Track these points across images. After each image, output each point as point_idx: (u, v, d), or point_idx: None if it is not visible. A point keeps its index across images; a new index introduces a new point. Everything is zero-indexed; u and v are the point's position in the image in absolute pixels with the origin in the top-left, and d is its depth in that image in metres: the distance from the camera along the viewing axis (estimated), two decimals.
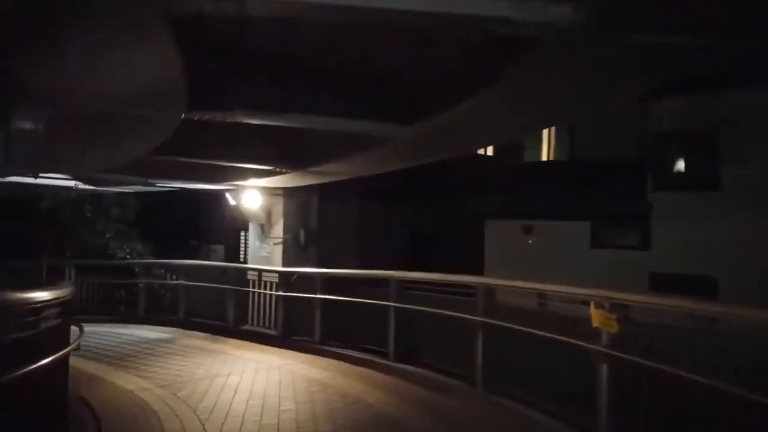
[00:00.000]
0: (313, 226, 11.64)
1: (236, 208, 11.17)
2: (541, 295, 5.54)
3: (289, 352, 9.01)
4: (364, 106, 5.20)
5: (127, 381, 6.96)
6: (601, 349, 4.22)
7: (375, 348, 7.98)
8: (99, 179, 9.85)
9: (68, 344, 4.61)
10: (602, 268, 10.52)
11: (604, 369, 4.22)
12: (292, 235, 11.20)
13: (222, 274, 11.17)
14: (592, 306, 4.33)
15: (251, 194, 10.76)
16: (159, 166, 7.64)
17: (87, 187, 10.51)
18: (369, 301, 7.96)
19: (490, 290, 6.05)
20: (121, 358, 8.37)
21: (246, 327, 10.56)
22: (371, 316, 8.06)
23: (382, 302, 7.69)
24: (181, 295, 11.38)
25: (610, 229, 11.10)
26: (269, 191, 10.78)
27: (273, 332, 10.00)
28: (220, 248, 17.67)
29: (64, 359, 4.57)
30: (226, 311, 10.62)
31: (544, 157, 15.28)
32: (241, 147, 6.74)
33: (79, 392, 6.31)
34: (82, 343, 9.76)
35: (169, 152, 6.47)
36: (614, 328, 4.12)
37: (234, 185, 10.39)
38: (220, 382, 6.83)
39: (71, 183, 10.54)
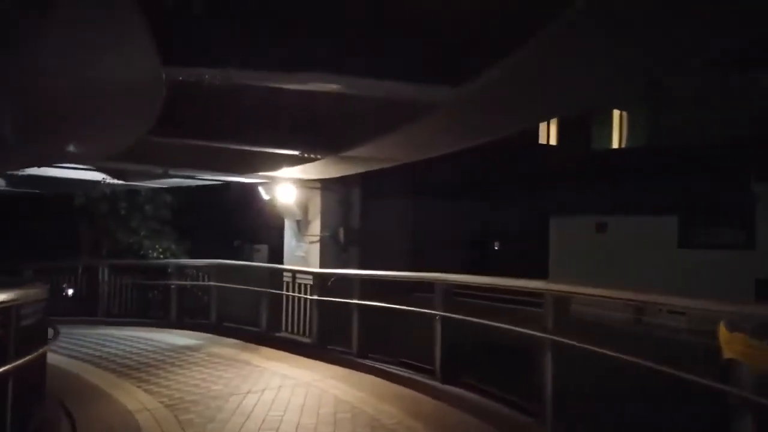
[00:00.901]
0: (354, 224, 10.55)
1: (271, 204, 10.23)
2: (637, 306, 4.15)
3: (322, 364, 7.93)
4: (396, 61, 4.01)
5: (130, 397, 6.07)
6: (744, 395, 2.82)
7: (420, 365, 6.76)
8: (121, 171, 9.16)
9: (42, 346, 4.40)
10: (693, 271, 8.83)
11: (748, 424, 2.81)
12: (330, 234, 10.15)
13: (255, 275, 10.25)
14: (720, 327, 2.95)
15: (285, 187, 9.80)
16: (172, 152, 6.78)
17: (114, 181, 9.85)
18: (409, 308, 6.77)
19: (561, 298, 4.69)
20: (137, 368, 7.54)
21: (280, 334, 9.58)
22: (416, 327, 6.85)
23: (426, 311, 6.47)
24: (212, 297, 10.57)
25: (703, 225, 9.35)
26: (305, 184, 9.78)
27: (307, 340, 8.96)
28: (263, 248, 16.91)
29: (37, 364, 4.31)
30: (260, 316, 9.68)
31: (615, 145, 13.60)
32: (260, 125, 5.69)
33: (70, 406, 5.49)
34: (104, 349, 8.91)
35: (176, 133, 5.51)
36: (761, 360, 2.72)
37: (266, 177, 9.45)
38: (233, 403, 5.82)
39: (99, 176, 9.90)
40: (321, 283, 8.78)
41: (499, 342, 5.47)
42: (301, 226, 10.37)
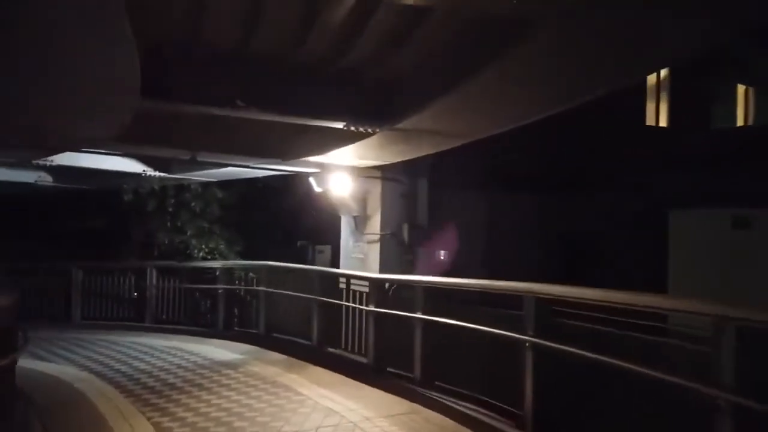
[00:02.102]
0: (421, 220, 8.95)
1: (324, 198, 8.83)
2: None
3: (378, 393, 6.41)
4: None
5: None
6: None
7: (504, 405, 5.04)
8: (152, 159, 8.10)
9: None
10: None
11: None
12: (392, 232, 8.59)
13: (307, 280, 8.88)
14: None
15: (339, 177, 8.34)
16: (193, 129, 5.48)
17: (156, 173, 8.85)
18: (491, 330, 5.07)
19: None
20: (159, 391, 6.37)
21: (332, 350, 8.15)
22: (499, 351, 5.15)
23: (512, 334, 4.76)
24: (261, 304, 9.36)
25: None
26: (361, 172, 8.31)
27: (363, 360, 7.47)
28: (326, 249, 15.62)
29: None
30: (311, 328, 8.30)
31: (741, 123, 11.13)
32: (294, 82, 4.21)
33: None
34: (135, 364, 7.73)
35: (188, 97, 4.15)
36: None
37: (315, 166, 8.04)
38: None
39: (138, 168, 8.92)
40: (379, 291, 7.24)
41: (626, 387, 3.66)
42: (359, 222, 8.90)
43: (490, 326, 5.19)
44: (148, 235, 11.31)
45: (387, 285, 7.29)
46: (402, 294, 7.12)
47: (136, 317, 11.14)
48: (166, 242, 11.19)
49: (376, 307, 7.17)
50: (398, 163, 8.38)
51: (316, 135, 6.10)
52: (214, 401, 6.01)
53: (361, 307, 7.56)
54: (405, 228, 8.81)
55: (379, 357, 7.13)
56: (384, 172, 8.61)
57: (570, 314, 4.55)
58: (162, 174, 9.25)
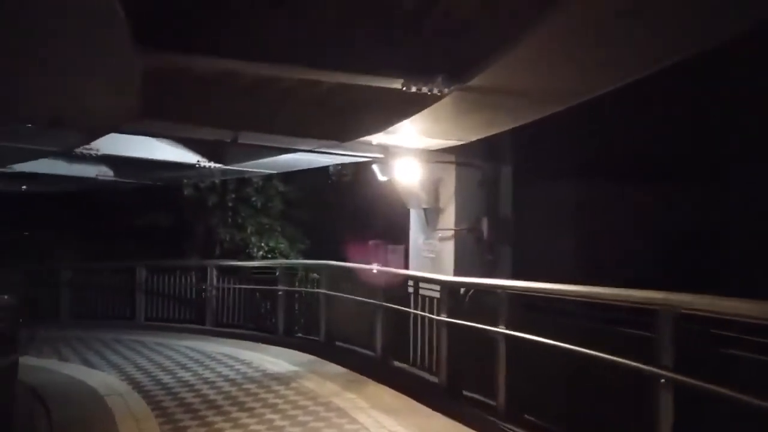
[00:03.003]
0: (503, 213, 7.58)
1: (390, 188, 7.68)
2: None
3: (451, 425, 5.17)
4: None
5: None
6: None
7: None
8: (203, 146, 7.32)
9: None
10: None
11: None
12: (469, 228, 7.30)
13: (371, 282, 7.77)
14: None
15: (406, 163, 7.16)
16: (231, 102, 4.52)
17: (210, 164, 8.14)
18: (601, 355, 3.68)
19: None
20: (195, 410, 5.57)
21: (398, 364, 6.99)
22: (612, 382, 3.77)
23: (641, 365, 3.35)
24: (321, 308, 8.38)
25: None
26: (432, 157, 7.11)
27: (434, 379, 6.28)
28: (398, 249, 14.43)
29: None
30: (374, 337, 7.22)
31: None
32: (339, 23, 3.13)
33: None
34: (180, 374, 7.05)
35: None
36: None
37: (379, 149, 6.90)
38: None
39: (192, 158, 8.23)
40: (453, 297, 6.01)
41: None
42: (430, 216, 7.67)
43: (599, 349, 3.78)
44: (209, 232, 10.70)
45: (462, 290, 6.02)
46: (481, 301, 5.83)
47: (197, 319, 10.57)
48: (228, 239, 10.51)
49: (448, 316, 5.92)
50: (475, 144, 7.06)
51: (373, 105, 4.95)
52: (254, 426, 5.03)
53: (431, 315, 6.33)
54: (484, 222, 7.45)
55: (453, 376, 5.88)
56: (458, 156, 7.31)
57: (724, 337, 3.08)
58: (216, 165, 8.52)
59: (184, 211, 11.17)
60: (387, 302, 7.10)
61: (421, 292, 6.73)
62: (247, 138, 6.15)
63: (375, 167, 7.56)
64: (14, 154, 7.49)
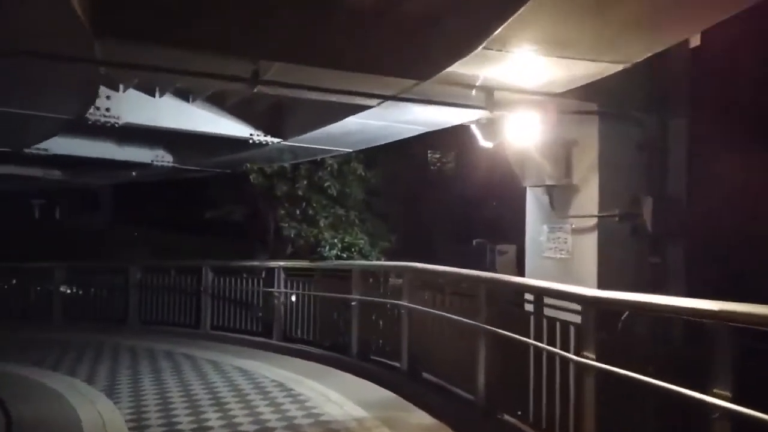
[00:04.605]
0: (675, 192, 4.88)
1: (496, 160, 5.32)
2: None
3: None
4: None
5: None
6: None
7: None
8: (250, 114, 5.50)
9: None
10: None
11: None
12: (621, 212, 4.73)
13: (470, 292, 5.50)
14: None
15: (519, 117, 4.74)
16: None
17: (267, 138, 6.37)
18: None
19: None
20: None
21: (511, 419, 4.65)
22: None
23: None
24: (403, 326, 6.26)
25: None
26: (560, 105, 4.59)
27: None
28: (510, 250, 11.90)
29: None
30: (475, 373, 4.95)
31: None
32: None
33: None
34: (203, 419, 5.07)
35: None
36: None
37: (479, 95, 4.56)
38: None
39: (245, 131, 6.51)
40: (600, 322, 3.59)
41: None
42: (557, 198, 5.22)
43: None
44: (279, 227, 8.99)
45: (618, 313, 3.56)
46: (654, 332, 3.34)
47: (263, 331, 8.87)
48: (302, 235, 8.71)
49: (599, 357, 3.48)
50: (625, 87, 4.52)
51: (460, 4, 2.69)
52: None
53: (563, 353, 3.90)
54: (647, 205, 4.83)
55: None
56: (604, 103, 4.76)
57: None
58: (274, 139, 6.71)
59: (254, 203, 9.58)
60: (492, 325, 4.77)
61: (546, 311, 4.32)
62: (275, 75, 4.16)
63: (475, 128, 5.23)
64: (34, 127, 6.20)
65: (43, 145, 7.32)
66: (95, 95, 5.18)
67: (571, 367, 3.87)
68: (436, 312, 5.78)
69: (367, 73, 4.01)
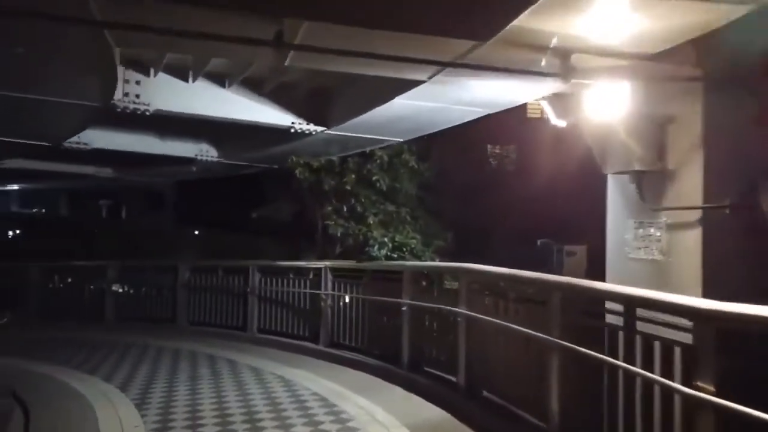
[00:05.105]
0: None
1: (570, 143, 4.46)
2: None
3: None
4: None
5: None
6: None
7: None
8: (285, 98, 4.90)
9: None
10: None
11: None
12: (732, 203, 3.75)
13: (539, 301, 4.69)
14: None
15: (605, 89, 3.87)
16: None
17: (308, 126, 5.77)
18: None
19: None
20: None
21: None
22: None
23: None
24: (460, 336, 5.51)
25: None
26: (651, 71, 3.68)
27: None
28: (579, 251, 10.91)
29: None
30: (547, 398, 4.14)
31: None
32: None
33: None
34: None
35: None
36: None
37: (552, 60, 3.73)
38: None
39: (287, 119, 5.97)
40: (719, 344, 2.68)
41: None
42: (648, 186, 4.28)
43: None
44: (326, 225, 8.40)
45: (744, 332, 2.67)
46: None
47: (310, 335, 8.31)
48: (349, 233, 8.08)
49: (715, 387, 2.61)
50: (738, 46, 3.55)
51: None
52: None
53: (665, 381, 3.03)
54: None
55: None
56: (710, 68, 3.82)
57: None
58: (317, 128, 6.09)
59: (301, 200, 9.04)
60: (568, 340, 3.93)
61: (638, 326, 3.45)
62: (305, 35, 3.49)
63: (546, 105, 4.39)
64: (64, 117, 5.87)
65: (83, 139, 7.07)
66: (114, 76, 4.75)
67: (677, 400, 3.00)
68: (499, 322, 4.97)
69: (412, 32, 3.28)
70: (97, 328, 10.24)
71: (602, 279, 6.18)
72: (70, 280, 11.44)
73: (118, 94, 5.27)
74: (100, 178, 10.00)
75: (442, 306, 6.11)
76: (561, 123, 4.47)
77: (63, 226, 22.79)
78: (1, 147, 7.33)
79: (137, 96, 5.47)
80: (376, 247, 7.62)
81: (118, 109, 5.61)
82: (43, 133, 6.72)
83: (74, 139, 7.11)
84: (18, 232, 21.90)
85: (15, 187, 21.33)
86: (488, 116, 5.97)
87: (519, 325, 4.63)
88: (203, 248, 11.89)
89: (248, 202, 10.44)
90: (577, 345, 3.90)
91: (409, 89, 4.76)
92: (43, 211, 29.30)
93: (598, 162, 4.59)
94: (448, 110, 5.40)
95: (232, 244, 10.42)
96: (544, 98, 4.43)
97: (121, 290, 11.09)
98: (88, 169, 9.60)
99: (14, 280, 11.38)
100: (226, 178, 10.64)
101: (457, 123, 5.95)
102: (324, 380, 6.44)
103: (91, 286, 11.22)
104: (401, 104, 5.24)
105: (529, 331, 4.43)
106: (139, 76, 5.60)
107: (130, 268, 11.28)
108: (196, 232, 14.66)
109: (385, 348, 7.14)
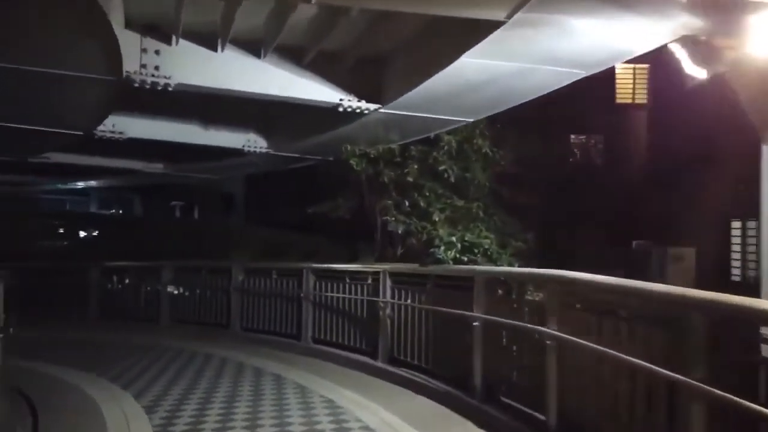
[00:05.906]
0: None
1: (716, 99, 3.12)
2: None
3: None
4: None
5: None
6: None
7: None
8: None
9: None
10: None
11: None
12: None
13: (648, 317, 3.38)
14: None
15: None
16: None
17: (358, 102, 4.80)
18: None
19: None
20: None
21: None
22: None
23: None
24: (550, 365, 4.27)
25: None
26: None
27: None
28: (687, 254, 9.28)
29: None
30: None
31: None
32: None
33: None
34: None
35: None
36: None
37: None
38: None
39: (334, 96, 5.01)
40: None
41: None
42: None
43: None
44: (386, 221, 7.35)
45: None
46: None
47: (368, 348, 7.32)
48: (412, 231, 6.99)
49: None
50: None
51: None
52: None
53: None
54: None
55: None
56: None
57: None
58: (369, 105, 5.14)
59: (358, 195, 8.05)
60: (717, 386, 2.65)
61: None
62: None
63: (680, 50, 3.09)
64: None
65: (117, 127, 6.46)
66: (116, 42, 3.94)
67: None
68: (603, 349, 3.70)
69: None
70: (150, 331, 9.84)
71: (717, 291, 4.71)
72: (127, 281, 11.17)
73: (133, 66, 4.50)
74: (152, 174, 9.64)
75: (525, 324, 4.87)
76: (700, 72, 3.17)
77: (137, 226, 23.28)
78: (34, 137, 6.92)
79: (156, 68, 4.66)
80: (442, 248, 6.44)
81: (135, 84, 4.84)
82: (66, 119, 6.19)
83: (106, 127, 6.52)
84: (95, 233, 22.58)
85: (80, 184, 21.94)
86: (571, 102, 4.72)
87: (635, 356, 3.36)
88: (265, 248, 11.23)
89: (307, 199, 9.71)
90: (729, 394, 2.61)
91: (479, 42, 3.58)
92: (120, 212, 30.50)
93: (757, 125, 3.21)
94: (533, 73, 4.08)
95: (291, 243, 9.67)
96: (676, 41, 3.13)
97: (176, 292, 10.68)
98: (137, 165, 9.17)
99: (75, 280, 11.28)
100: (292, 176, 9.92)
101: (545, 91, 4.64)
102: (378, 407, 5.38)
103: (148, 287, 10.89)
104: (470, 65, 4.07)
105: (653, 367, 3.16)
106: (159, 45, 4.77)
107: (186, 268, 10.85)
108: (262, 233, 14.14)
109: (453, 369, 5.98)
